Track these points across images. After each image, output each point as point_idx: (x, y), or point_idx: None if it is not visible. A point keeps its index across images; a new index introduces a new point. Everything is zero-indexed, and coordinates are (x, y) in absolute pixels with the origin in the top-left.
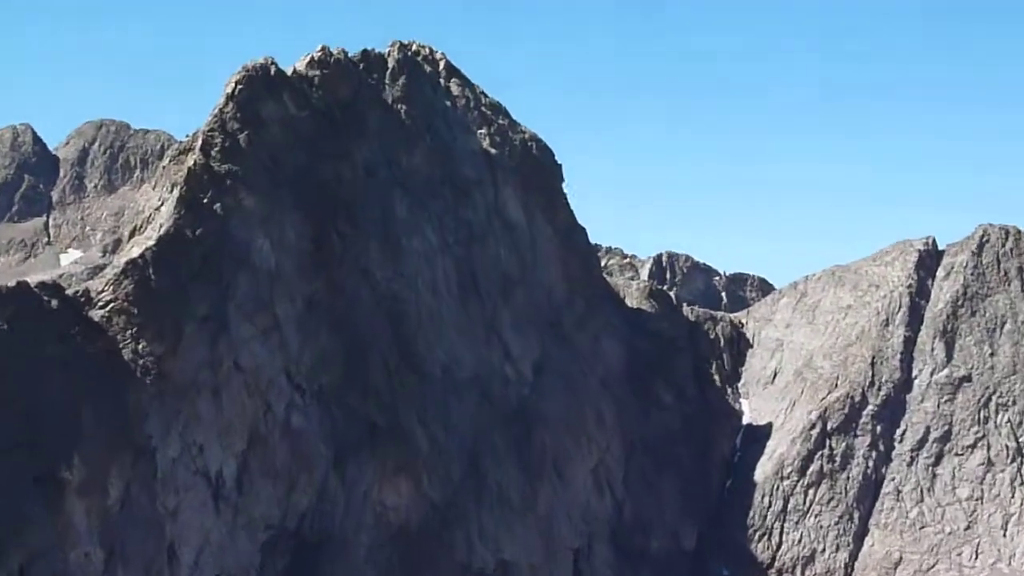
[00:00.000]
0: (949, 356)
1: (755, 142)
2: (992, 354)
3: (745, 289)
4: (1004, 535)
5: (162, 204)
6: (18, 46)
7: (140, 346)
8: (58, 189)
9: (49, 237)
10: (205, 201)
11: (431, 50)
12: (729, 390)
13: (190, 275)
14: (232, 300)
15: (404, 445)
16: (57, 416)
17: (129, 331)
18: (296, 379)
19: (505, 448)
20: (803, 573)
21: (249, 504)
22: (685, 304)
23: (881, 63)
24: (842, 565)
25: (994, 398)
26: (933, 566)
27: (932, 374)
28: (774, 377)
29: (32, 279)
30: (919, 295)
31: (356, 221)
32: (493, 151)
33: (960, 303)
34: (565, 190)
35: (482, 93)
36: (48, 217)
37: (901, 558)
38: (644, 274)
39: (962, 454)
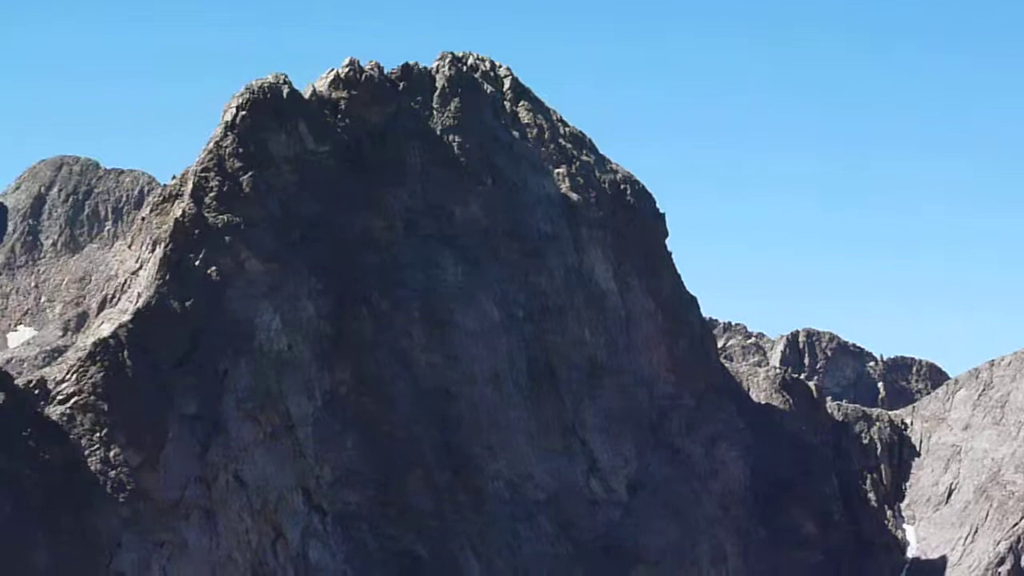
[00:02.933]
0: None
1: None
2: None
3: (909, 378)
4: None
5: (141, 267)
6: None
7: (111, 454)
8: (5, 248)
9: None
10: (197, 263)
11: (492, 64)
12: (889, 514)
13: (176, 360)
14: (230, 393)
15: None
16: (2, 549)
17: (97, 434)
18: (315, 498)
19: None
20: None
21: None
22: (830, 398)
23: None
24: None
25: None
26: None
27: None
28: (949, 496)
29: None
30: None
31: (392, 291)
32: (575, 197)
33: None
34: (670, 249)
35: (561, 120)
36: None
37: None
38: (775, 359)
39: None
